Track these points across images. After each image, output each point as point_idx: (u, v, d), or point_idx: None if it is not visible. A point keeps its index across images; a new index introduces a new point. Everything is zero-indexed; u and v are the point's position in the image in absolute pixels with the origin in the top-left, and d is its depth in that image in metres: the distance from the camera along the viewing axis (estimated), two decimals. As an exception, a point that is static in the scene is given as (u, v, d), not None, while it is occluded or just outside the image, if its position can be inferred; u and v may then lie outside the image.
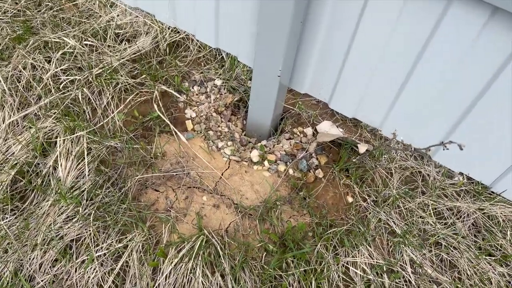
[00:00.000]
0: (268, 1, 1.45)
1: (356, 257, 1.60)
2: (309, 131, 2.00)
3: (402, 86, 1.62)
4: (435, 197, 1.79)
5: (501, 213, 1.73)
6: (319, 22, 1.62)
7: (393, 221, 1.72)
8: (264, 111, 1.85)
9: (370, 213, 1.74)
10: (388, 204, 1.76)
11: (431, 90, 1.54)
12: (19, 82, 1.98)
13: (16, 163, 1.76)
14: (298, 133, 2.00)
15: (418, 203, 1.77)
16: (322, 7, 1.56)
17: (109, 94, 1.98)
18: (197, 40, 2.20)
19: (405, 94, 1.63)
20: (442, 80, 1.48)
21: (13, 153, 1.80)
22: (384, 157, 1.89)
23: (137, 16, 2.25)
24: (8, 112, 1.91)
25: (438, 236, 1.68)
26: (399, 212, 1.76)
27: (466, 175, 1.72)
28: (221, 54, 2.21)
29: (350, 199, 1.80)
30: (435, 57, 1.44)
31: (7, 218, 1.65)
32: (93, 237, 1.60)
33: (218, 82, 2.16)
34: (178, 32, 2.24)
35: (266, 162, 1.88)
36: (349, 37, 1.60)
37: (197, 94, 2.12)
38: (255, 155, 1.89)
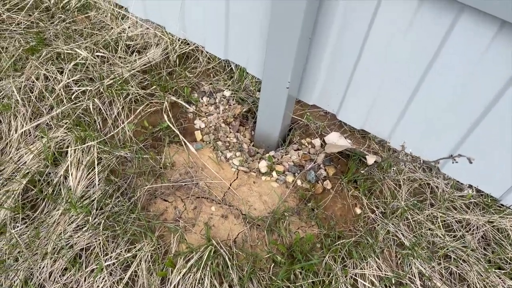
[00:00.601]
0: (278, 15, 1.47)
1: (365, 269, 1.60)
2: (317, 142, 2.01)
3: (411, 98, 1.62)
4: (444, 209, 1.78)
5: (510, 226, 1.72)
6: (327, 36, 1.63)
7: (401, 233, 1.71)
8: (272, 122, 1.87)
9: (378, 224, 1.74)
10: (396, 216, 1.75)
11: (441, 101, 1.55)
12: (32, 93, 2.02)
13: (27, 172, 1.78)
14: (306, 144, 2.01)
15: (427, 215, 1.76)
16: (331, 16, 1.57)
17: (120, 104, 2.01)
18: (207, 52, 2.23)
19: (414, 105, 1.64)
20: (452, 91, 1.49)
21: (25, 162, 1.83)
22: (393, 169, 1.89)
23: (148, 28, 2.29)
24: (21, 122, 1.94)
25: (447, 249, 1.67)
26: (407, 224, 1.75)
27: (475, 187, 1.72)
28: (230, 66, 2.23)
29: (358, 211, 1.80)
30: (445, 68, 1.45)
31: (18, 226, 1.67)
32: (103, 246, 1.61)
33: (227, 93, 2.18)
34: (188, 43, 2.27)
35: (274, 173, 1.88)
36: (358, 48, 1.62)
37: (206, 105, 2.15)
38: (263, 165, 1.90)
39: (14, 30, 2.30)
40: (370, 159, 1.82)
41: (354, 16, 1.52)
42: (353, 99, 1.81)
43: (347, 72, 1.72)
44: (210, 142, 1.98)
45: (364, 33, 1.54)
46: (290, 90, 1.70)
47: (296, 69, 1.64)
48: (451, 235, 1.73)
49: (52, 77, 2.05)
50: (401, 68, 1.55)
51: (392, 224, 1.73)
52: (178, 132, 1.93)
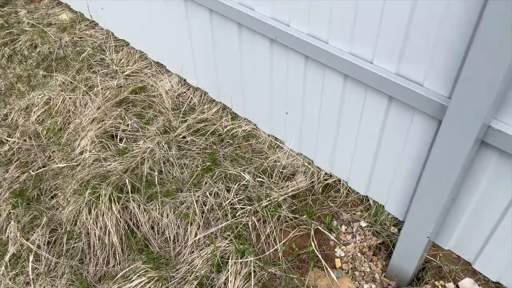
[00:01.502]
0: (428, 179, 1.74)
1: None
2: (450, 286, 2.12)
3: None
4: None
5: None
6: (470, 197, 1.84)
7: None
8: (408, 261, 2.06)
9: None
10: None
11: None
12: (205, 206, 2.51)
13: (197, 275, 2.19)
14: (439, 286, 2.13)
15: None
16: (476, 185, 1.79)
17: (272, 224, 2.39)
18: (348, 186, 2.55)
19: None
20: None
21: (196, 265, 2.26)
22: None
23: (297, 159, 2.72)
24: (195, 230, 2.41)
25: None
26: None
27: None
28: (368, 201, 2.51)
29: None
30: None
31: (187, 322, 2.04)
32: None
33: (363, 224, 2.45)
34: (331, 175, 2.63)
35: (408, 312, 2.03)
36: (502, 209, 1.78)
37: (344, 233, 2.42)
38: (398, 302, 2.06)
39: (193, 150, 2.91)
40: (508, 316, 1.87)
41: (499, 181, 1.71)
42: (491, 254, 1.93)
43: (487, 229, 1.87)
44: (348, 272, 2.22)
45: (510, 196, 1.72)
46: (429, 237, 1.90)
47: (438, 222, 1.86)
48: None
49: (221, 194, 2.54)
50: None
51: None
52: (322, 260, 2.22)
